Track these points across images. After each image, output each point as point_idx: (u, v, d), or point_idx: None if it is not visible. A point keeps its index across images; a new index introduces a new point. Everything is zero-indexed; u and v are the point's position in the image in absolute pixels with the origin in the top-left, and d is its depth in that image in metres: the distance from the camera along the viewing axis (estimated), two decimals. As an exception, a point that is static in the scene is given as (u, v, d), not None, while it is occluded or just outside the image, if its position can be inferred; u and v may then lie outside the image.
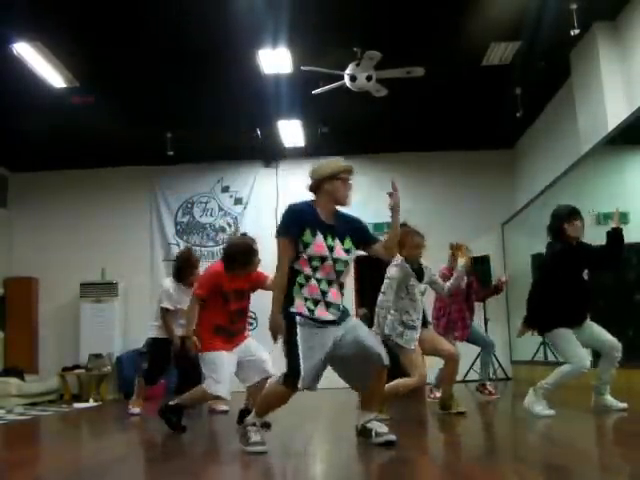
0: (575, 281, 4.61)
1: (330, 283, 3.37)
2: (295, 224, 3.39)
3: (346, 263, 3.41)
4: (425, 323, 4.94)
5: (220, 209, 10.42)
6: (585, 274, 4.74)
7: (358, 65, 6.71)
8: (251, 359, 4.63)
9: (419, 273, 4.82)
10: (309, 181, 3.61)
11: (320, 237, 3.36)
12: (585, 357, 4.51)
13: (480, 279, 7.27)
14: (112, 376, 9.42)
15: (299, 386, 3.29)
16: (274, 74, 7.27)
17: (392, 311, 4.69)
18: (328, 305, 3.35)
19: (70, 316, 9.94)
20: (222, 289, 4.48)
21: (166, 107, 8.29)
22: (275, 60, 6.95)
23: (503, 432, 4.48)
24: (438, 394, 6.23)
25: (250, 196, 10.40)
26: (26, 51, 6.50)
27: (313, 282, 3.34)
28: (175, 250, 10.31)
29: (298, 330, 3.30)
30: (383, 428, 3.41)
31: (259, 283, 4.74)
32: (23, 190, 10.47)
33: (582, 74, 7.17)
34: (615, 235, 4.60)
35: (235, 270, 4.53)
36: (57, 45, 6.54)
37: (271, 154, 10.25)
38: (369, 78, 6.79)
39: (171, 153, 9.20)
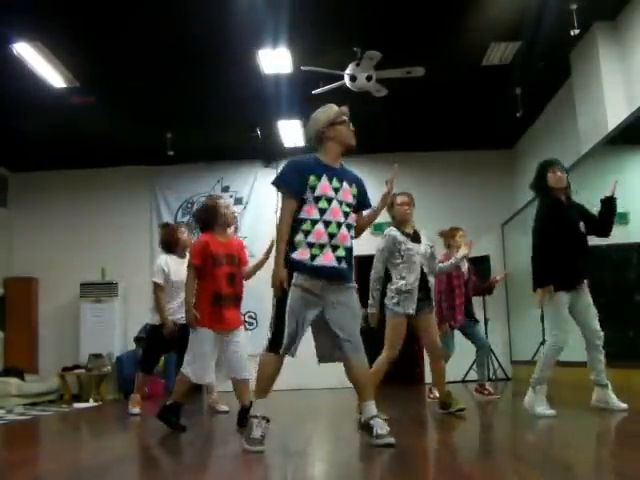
0: (571, 236, 4.44)
1: (339, 225, 3.42)
2: (294, 175, 3.53)
3: (349, 206, 3.49)
4: (429, 303, 4.87)
5: (220, 209, 10.40)
6: (582, 228, 4.52)
7: (358, 65, 6.71)
8: (235, 354, 4.60)
9: (415, 237, 4.86)
10: (309, 135, 3.75)
11: (325, 178, 3.45)
12: (568, 333, 4.39)
13: (480, 277, 7.26)
14: (112, 376, 9.41)
15: (280, 351, 3.40)
16: (274, 74, 7.27)
17: (390, 282, 4.72)
18: (335, 248, 3.40)
19: (70, 316, 9.94)
20: (212, 254, 4.58)
21: (166, 107, 8.29)
22: (275, 60, 6.96)
23: (503, 432, 4.47)
24: (437, 393, 6.25)
25: (250, 196, 10.40)
26: (26, 51, 6.50)
27: (320, 226, 3.39)
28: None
29: (291, 294, 3.39)
30: (384, 429, 3.39)
31: (241, 252, 4.87)
32: (23, 190, 10.47)
33: (582, 74, 7.17)
34: (609, 203, 4.60)
35: (212, 229, 4.71)
36: (57, 45, 6.54)
37: (271, 154, 10.25)
38: (369, 78, 6.79)
39: (171, 153, 9.20)
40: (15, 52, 6.46)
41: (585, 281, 4.51)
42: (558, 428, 4.24)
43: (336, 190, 3.46)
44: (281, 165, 11.57)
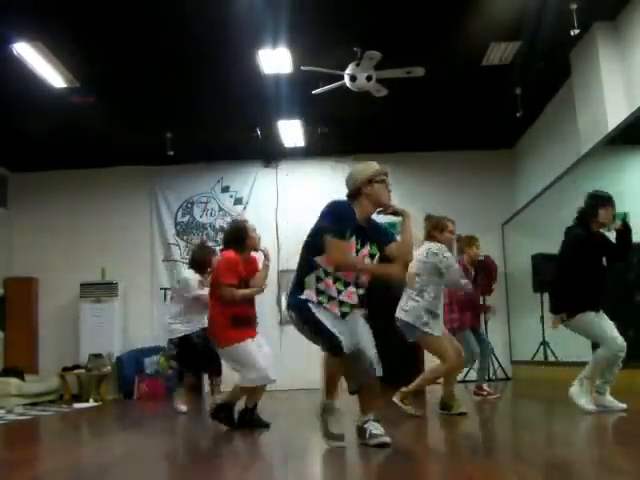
0: (598, 266, 4.72)
1: (347, 284, 3.44)
2: (347, 224, 3.41)
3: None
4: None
5: (220, 209, 10.41)
6: (604, 260, 4.82)
7: (358, 65, 6.71)
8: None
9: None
10: (347, 188, 3.59)
11: (353, 239, 3.42)
12: (621, 338, 4.58)
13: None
14: (112, 376, 9.41)
15: (345, 350, 3.29)
16: (274, 74, 7.27)
17: (418, 297, 4.73)
18: (341, 304, 3.43)
19: (70, 316, 9.93)
20: (241, 275, 4.51)
21: (166, 107, 8.28)
22: (275, 60, 6.95)
23: (503, 432, 4.47)
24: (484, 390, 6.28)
25: (250, 196, 10.40)
26: (26, 51, 6.49)
27: (330, 279, 3.41)
28: (175, 250, 10.34)
29: (313, 310, 3.37)
30: (379, 430, 3.40)
31: (255, 268, 4.79)
32: (23, 190, 10.46)
33: (582, 74, 7.17)
34: (621, 235, 4.75)
35: (244, 252, 4.61)
36: (57, 45, 6.54)
37: (271, 154, 10.24)
38: (369, 78, 6.79)
39: (171, 153, 9.19)
40: (15, 52, 6.45)
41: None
42: (558, 428, 4.24)
43: (357, 252, 3.47)
44: (281, 165, 11.49)
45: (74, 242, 10.20)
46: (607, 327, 4.62)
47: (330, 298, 3.41)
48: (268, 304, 9.86)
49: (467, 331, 6.17)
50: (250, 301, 4.64)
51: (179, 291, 6.34)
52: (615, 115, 6.45)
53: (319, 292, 3.41)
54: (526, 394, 6.95)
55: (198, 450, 3.98)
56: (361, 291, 3.53)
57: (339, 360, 3.37)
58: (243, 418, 4.52)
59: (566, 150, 7.86)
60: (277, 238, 9.94)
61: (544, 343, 8.21)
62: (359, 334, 3.45)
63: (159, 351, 9.50)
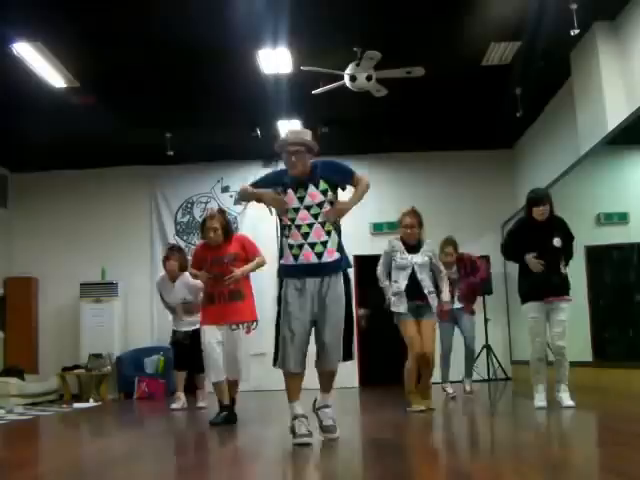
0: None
1: (310, 226, 3.71)
2: (264, 181, 4.01)
3: (321, 205, 3.72)
4: (429, 309, 5.30)
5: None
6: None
7: (358, 65, 6.71)
8: (229, 353, 5.04)
9: (414, 247, 5.35)
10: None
11: (290, 192, 3.77)
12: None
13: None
14: (112, 376, 9.41)
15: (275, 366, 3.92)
16: (274, 74, 7.27)
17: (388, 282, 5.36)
18: (312, 245, 3.69)
19: (70, 316, 9.93)
20: (205, 259, 5.09)
21: (166, 107, 8.28)
22: (275, 60, 6.95)
23: (503, 432, 4.47)
24: (450, 390, 6.37)
25: (250, 196, 10.38)
26: (26, 51, 6.49)
27: (294, 229, 3.72)
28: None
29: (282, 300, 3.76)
30: (328, 421, 3.75)
31: (244, 250, 5.23)
32: (23, 190, 10.46)
33: (582, 74, 7.17)
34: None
35: (205, 238, 5.15)
36: (57, 45, 6.53)
37: (271, 154, 10.22)
38: (369, 78, 6.78)
39: (171, 153, 9.19)
40: (15, 52, 6.45)
41: None
42: (558, 428, 4.24)
43: (301, 199, 3.75)
44: (280, 165, 11.56)
45: (74, 242, 10.20)
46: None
47: (300, 246, 3.71)
48: (268, 304, 9.87)
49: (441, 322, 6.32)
50: (216, 279, 5.02)
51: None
52: (615, 115, 6.44)
53: (291, 247, 3.72)
54: (526, 394, 6.91)
55: (198, 449, 3.98)
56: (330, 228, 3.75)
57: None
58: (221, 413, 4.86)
59: (566, 150, 7.86)
60: (277, 238, 9.93)
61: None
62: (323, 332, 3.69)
63: (159, 351, 9.51)
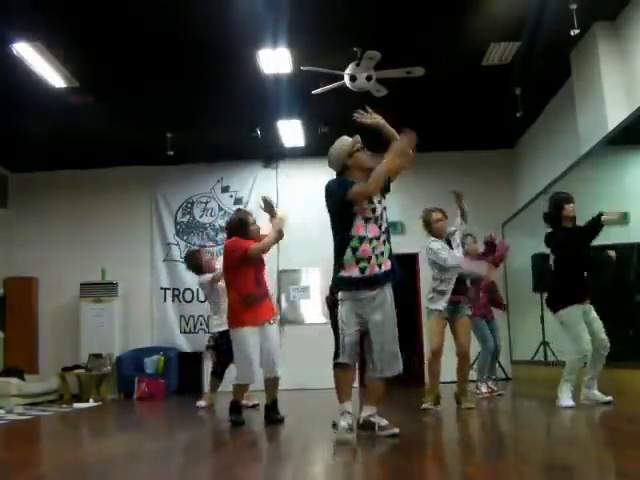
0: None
1: (378, 238, 3.77)
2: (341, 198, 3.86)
3: (383, 218, 3.85)
4: (464, 308, 5.38)
5: (220, 209, 10.41)
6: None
7: (358, 65, 6.71)
8: (270, 350, 4.83)
9: (448, 243, 5.46)
10: (335, 169, 3.99)
11: (364, 203, 3.79)
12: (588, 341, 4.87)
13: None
14: (112, 376, 9.41)
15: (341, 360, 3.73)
16: (274, 74, 7.27)
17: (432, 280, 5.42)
18: (377, 256, 3.74)
19: (70, 316, 9.93)
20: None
21: (166, 107, 8.28)
22: (275, 60, 6.95)
23: (503, 432, 4.47)
24: (484, 389, 6.38)
25: (250, 196, 10.39)
26: (26, 51, 6.49)
27: (365, 243, 3.73)
28: (175, 250, 10.33)
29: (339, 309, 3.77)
30: (384, 422, 3.70)
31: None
32: (23, 190, 10.46)
33: (582, 74, 7.17)
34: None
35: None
36: (57, 45, 6.53)
37: (271, 154, 10.24)
38: (369, 78, 6.78)
39: (171, 153, 9.19)
40: (15, 52, 6.45)
41: None
42: (558, 427, 4.24)
43: (373, 210, 3.82)
44: (281, 165, 11.53)
45: (74, 242, 10.19)
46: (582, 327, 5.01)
47: (369, 259, 3.72)
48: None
49: (479, 321, 6.45)
50: (256, 281, 4.93)
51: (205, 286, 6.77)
52: (615, 115, 6.44)
53: (359, 260, 3.72)
54: (526, 394, 6.95)
55: (199, 448, 3.98)
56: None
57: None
58: (268, 414, 4.85)
59: (566, 150, 7.86)
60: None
61: (544, 343, 8.21)
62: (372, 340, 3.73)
63: (159, 351, 9.51)
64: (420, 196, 9.94)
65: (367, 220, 3.77)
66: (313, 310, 9.81)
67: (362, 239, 3.73)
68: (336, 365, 3.78)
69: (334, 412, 4.16)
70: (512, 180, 10.15)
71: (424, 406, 5.34)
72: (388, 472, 2.98)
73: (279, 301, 9.90)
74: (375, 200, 3.82)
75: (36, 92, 7.35)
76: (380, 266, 3.74)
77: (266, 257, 5.29)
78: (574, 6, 5.98)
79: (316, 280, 9.91)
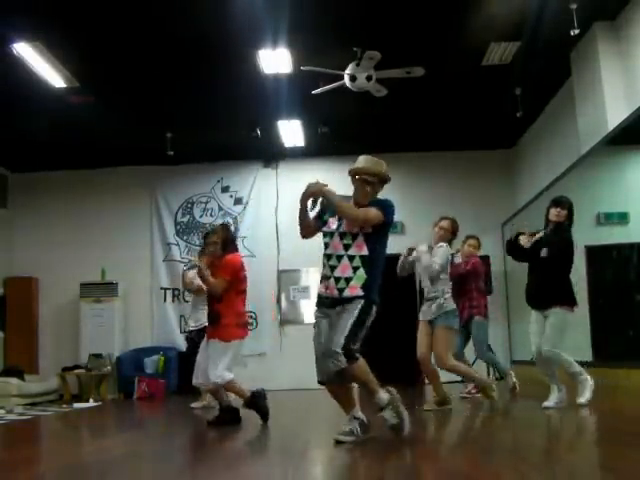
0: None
1: (339, 258, 3.71)
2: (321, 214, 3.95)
3: (355, 236, 3.71)
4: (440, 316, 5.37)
5: (220, 209, 10.41)
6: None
7: (358, 65, 6.70)
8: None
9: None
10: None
11: (335, 217, 3.81)
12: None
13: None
14: (112, 376, 9.41)
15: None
16: (274, 74, 7.27)
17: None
18: (337, 280, 3.70)
19: (70, 316, 9.92)
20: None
21: (166, 107, 8.28)
22: (275, 60, 6.95)
23: (503, 432, 4.47)
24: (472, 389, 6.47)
25: (250, 196, 10.39)
26: (26, 51, 6.49)
27: (324, 260, 3.79)
28: (175, 250, 10.33)
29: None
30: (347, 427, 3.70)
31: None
32: (23, 190, 10.46)
33: (582, 74, 7.17)
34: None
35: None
36: (57, 45, 6.53)
37: (271, 154, 10.24)
38: (369, 78, 6.78)
39: (171, 153, 9.19)
40: (15, 52, 6.45)
41: None
42: (558, 428, 4.24)
43: (339, 226, 3.77)
44: (281, 165, 11.51)
45: (74, 242, 10.19)
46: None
47: (325, 278, 3.79)
48: (268, 304, 9.88)
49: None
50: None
51: None
52: (615, 115, 6.44)
53: (321, 279, 3.81)
54: (526, 394, 6.92)
55: (198, 449, 3.98)
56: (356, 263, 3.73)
57: None
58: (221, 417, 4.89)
59: (566, 150, 7.86)
60: (277, 238, 9.93)
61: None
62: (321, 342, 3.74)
63: (159, 351, 9.51)
64: (420, 196, 9.97)
65: (331, 235, 3.82)
66: (313, 310, 9.79)
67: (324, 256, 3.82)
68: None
69: (334, 412, 4.17)
70: (512, 180, 10.15)
71: (425, 407, 5.36)
72: (388, 472, 2.98)
73: (279, 301, 9.92)
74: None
75: (36, 92, 7.35)
76: (341, 291, 3.69)
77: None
78: (574, 6, 5.98)
79: (316, 280, 9.85)
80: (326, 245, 3.79)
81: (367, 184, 3.81)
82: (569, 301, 4.97)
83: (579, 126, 7.28)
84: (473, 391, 6.64)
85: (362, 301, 3.67)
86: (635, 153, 6.84)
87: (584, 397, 4.80)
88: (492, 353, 7.13)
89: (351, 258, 3.69)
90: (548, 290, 4.97)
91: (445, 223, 5.57)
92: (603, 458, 3.09)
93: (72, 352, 9.64)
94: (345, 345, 3.57)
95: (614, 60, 6.66)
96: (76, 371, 9.28)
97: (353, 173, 3.89)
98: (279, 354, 9.72)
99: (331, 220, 3.80)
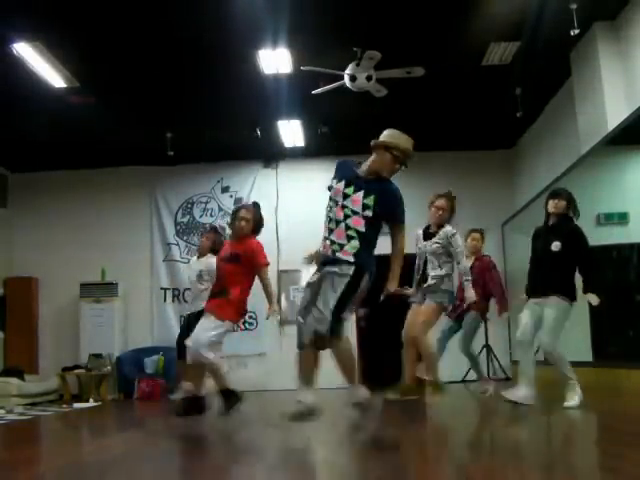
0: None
1: (338, 223, 3.83)
2: (334, 176, 3.99)
3: (354, 212, 3.81)
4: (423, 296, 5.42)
5: (220, 209, 10.41)
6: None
7: (358, 65, 6.71)
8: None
9: (430, 235, 5.48)
10: (397, 144, 3.95)
11: (341, 184, 3.87)
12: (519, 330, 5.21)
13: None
14: (112, 376, 9.41)
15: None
16: (274, 74, 7.27)
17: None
18: (332, 242, 3.86)
19: (70, 316, 9.92)
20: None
21: (166, 107, 8.29)
22: (275, 60, 6.95)
23: (503, 432, 4.47)
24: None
25: (250, 196, 10.37)
26: (26, 51, 6.49)
27: (326, 220, 3.91)
28: (175, 250, 10.34)
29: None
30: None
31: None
32: (23, 190, 10.46)
33: (582, 74, 7.17)
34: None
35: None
36: (57, 45, 6.54)
37: (271, 154, 10.24)
38: (369, 78, 6.79)
39: (171, 153, 9.19)
40: (15, 52, 6.45)
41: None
42: (558, 428, 4.24)
43: (345, 196, 3.84)
44: (281, 165, 11.49)
45: (74, 242, 10.19)
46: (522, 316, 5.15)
47: (324, 239, 3.96)
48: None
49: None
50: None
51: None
52: (615, 115, 6.44)
53: (324, 238, 3.95)
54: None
55: (199, 447, 3.97)
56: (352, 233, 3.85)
57: None
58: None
59: (566, 150, 7.86)
60: (277, 238, 9.93)
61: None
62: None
63: (159, 351, 9.50)
64: (420, 196, 9.94)
65: (335, 202, 3.91)
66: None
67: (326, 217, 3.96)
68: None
69: (334, 412, 4.18)
70: (512, 180, 10.15)
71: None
72: (387, 472, 2.98)
73: (279, 301, 9.91)
74: (351, 191, 3.86)
75: (36, 92, 7.35)
76: (334, 252, 3.83)
77: (268, 253, 5.45)
78: (574, 6, 5.98)
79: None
80: (329, 208, 3.91)
81: (395, 160, 3.88)
82: (569, 293, 4.95)
83: (579, 126, 7.28)
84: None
85: (352, 267, 3.78)
86: (635, 153, 6.84)
87: (574, 401, 4.79)
88: (477, 354, 7.06)
89: (347, 227, 3.82)
90: (553, 280, 4.96)
91: (441, 202, 5.46)
92: (603, 458, 3.08)
93: (72, 352, 9.64)
94: (334, 312, 3.69)
95: (614, 60, 6.67)
96: (76, 371, 9.28)
97: (383, 146, 3.91)
98: (279, 354, 9.71)
99: (337, 187, 3.87)
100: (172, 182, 10.43)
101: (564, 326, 4.93)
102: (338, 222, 3.83)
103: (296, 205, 9.94)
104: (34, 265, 10.10)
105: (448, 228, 5.38)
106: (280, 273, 9.81)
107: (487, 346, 8.96)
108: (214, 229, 7.62)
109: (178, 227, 10.44)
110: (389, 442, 3.59)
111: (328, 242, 3.86)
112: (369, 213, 3.80)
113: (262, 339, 9.76)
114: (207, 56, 6.93)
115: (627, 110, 6.32)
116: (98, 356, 9.32)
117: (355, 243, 3.79)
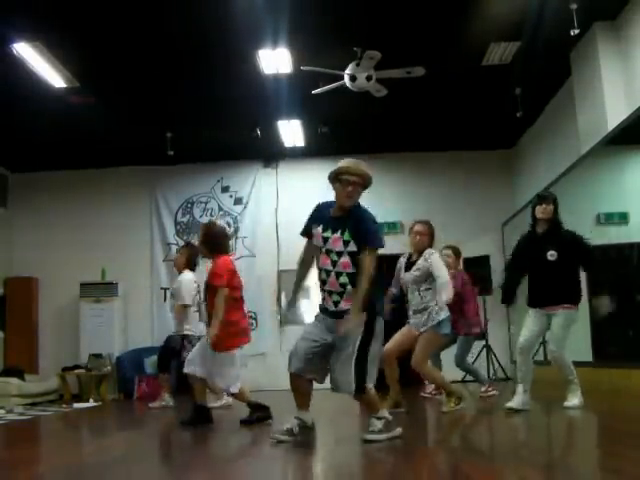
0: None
1: (328, 273, 3.68)
2: (308, 221, 3.86)
3: (339, 254, 3.62)
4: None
5: (220, 209, 10.41)
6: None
7: (358, 65, 6.70)
8: None
9: (411, 265, 5.27)
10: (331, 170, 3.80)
11: (319, 229, 3.72)
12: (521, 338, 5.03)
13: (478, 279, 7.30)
14: (112, 376, 9.41)
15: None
16: (274, 74, 7.27)
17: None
18: (330, 293, 3.71)
19: (70, 316, 9.93)
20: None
21: (166, 107, 8.28)
22: (275, 60, 6.95)
23: (503, 432, 4.47)
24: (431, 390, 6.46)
25: (250, 196, 10.40)
26: (26, 51, 6.49)
27: (318, 272, 3.75)
28: (175, 250, 10.32)
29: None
30: (378, 425, 3.69)
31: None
32: (23, 190, 10.46)
33: (582, 74, 7.17)
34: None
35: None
36: (57, 45, 6.53)
37: (271, 154, 10.24)
38: (369, 78, 6.78)
39: (171, 153, 9.19)
40: (15, 52, 6.45)
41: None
42: (558, 428, 4.24)
43: (325, 240, 3.69)
44: (281, 165, 11.46)
45: (74, 242, 10.19)
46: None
47: (322, 291, 3.81)
48: (268, 304, 9.88)
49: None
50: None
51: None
52: (615, 115, 6.44)
53: (322, 292, 3.80)
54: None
55: (198, 448, 3.97)
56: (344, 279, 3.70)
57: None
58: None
59: (566, 150, 7.86)
60: (277, 238, 9.93)
61: (544, 343, 8.20)
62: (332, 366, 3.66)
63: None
64: (420, 196, 9.97)
65: (320, 249, 3.75)
66: (313, 310, 9.80)
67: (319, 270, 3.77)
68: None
69: (334, 412, 4.19)
70: (512, 180, 10.15)
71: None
72: (388, 472, 2.98)
73: (279, 300, 9.91)
74: (329, 233, 3.69)
75: (36, 92, 7.35)
76: (336, 304, 3.68)
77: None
78: (574, 6, 5.98)
79: (316, 280, 9.90)
80: (317, 258, 3.75)
81: (351, 185, 3.64)
82: (575, 299, 4.92)
83: (579, 126, 7.28)
84: (434, 392, 6.65)
85: (362, 313, 3.57)
86: (635, 153, 6.84)
87: (573, 401, 4.79)
88: (472, 364, 7.23)
89: (338, 275, 3.64)
90: (557, 290, 4.86)
91: (420, 227, 5.29)
92: (603, 458, 3.09)
93: (72, 352, 9.64)
94: (356, 371, 3.55)
95: (614, 60, 6.66)
96: (76, 371, 9.28)
97: (336, 174, 3.69)
98: (279, 354, 9.70)
99: (316, 233, 3.72)
100: (172, 182, 10.43)
101: (571, 330, 4.91)
102: (328, 272, 3.67)
103: (296, 205, 9.92)
104: (34, 265, 10.10)
105: (427, 250, 5.27)
106: (280, 273, 9.80)
107: (487, 346, 8.96)
108: (188, 244, 7.40)
109: (178, 227, 10.44)
110: (389, 443, 3.59)
111: (326, 294, 3.72)
112: (353, 247, 3.60)
113: (262, 339, 9.76)
114: (207, 56, 6.92)
115: (627, 110, 6.31)
116: (98, 356, 9.32)
117: (350, 289, 3.61)
